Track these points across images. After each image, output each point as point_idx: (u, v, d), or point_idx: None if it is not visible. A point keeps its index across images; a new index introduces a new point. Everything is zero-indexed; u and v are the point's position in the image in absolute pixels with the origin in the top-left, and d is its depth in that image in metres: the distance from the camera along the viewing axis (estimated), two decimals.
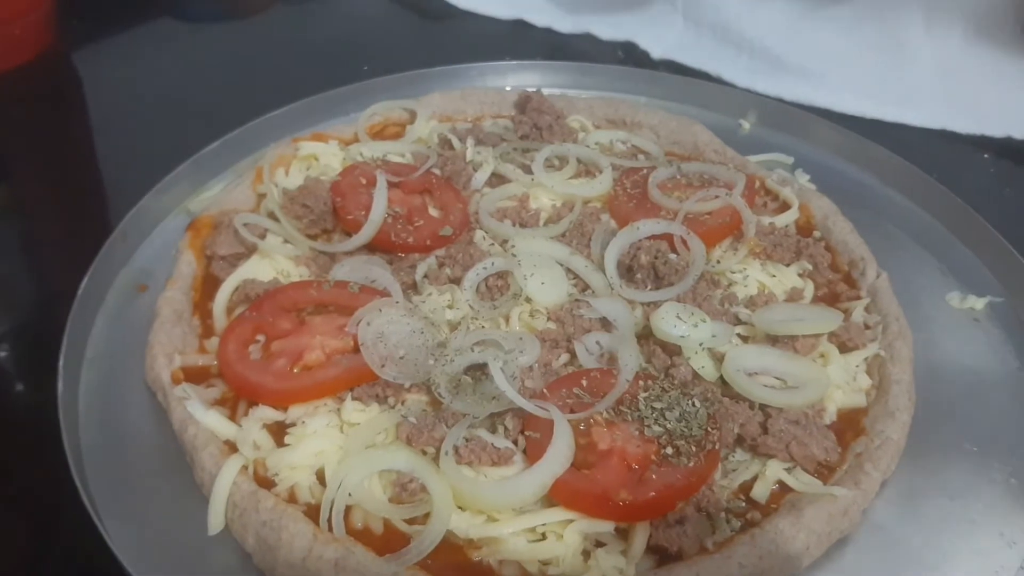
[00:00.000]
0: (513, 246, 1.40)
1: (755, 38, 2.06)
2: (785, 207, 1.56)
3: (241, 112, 1.69)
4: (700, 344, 1.23)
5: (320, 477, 1.10)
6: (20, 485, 1.18)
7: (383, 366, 1.17)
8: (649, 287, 1.36)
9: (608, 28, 2.20)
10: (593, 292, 1.36)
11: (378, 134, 1.71)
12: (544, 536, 1.04)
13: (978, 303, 1.42)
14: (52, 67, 2.09)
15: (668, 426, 1.10)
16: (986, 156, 1.85)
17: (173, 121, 1.87)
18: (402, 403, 1.18)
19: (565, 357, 1.25)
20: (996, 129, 1.86)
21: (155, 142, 1.78)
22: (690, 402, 1.14)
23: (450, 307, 1.31)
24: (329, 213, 1.44)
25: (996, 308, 1.42)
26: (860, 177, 1.70)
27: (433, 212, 1.50)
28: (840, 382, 1.24)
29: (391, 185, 1.45)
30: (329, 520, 1.04)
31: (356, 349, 1.19)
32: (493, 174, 1.59)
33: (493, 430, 1.14)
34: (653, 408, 1.12)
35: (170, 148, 1.62)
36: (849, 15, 2.05)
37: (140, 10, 2.30)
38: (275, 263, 1.38)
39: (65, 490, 1.06)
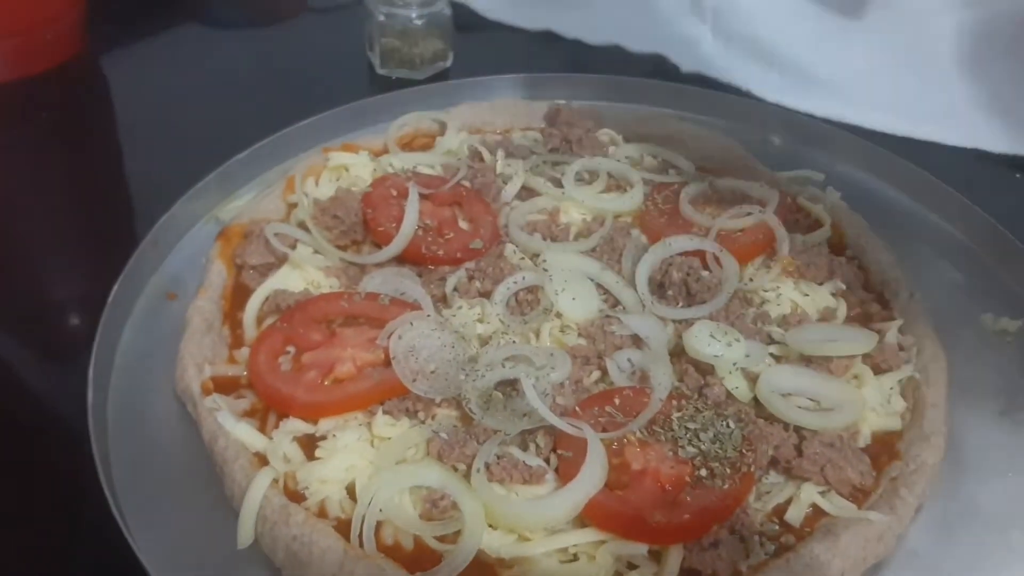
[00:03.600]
0: (544, 260, 1.40)
1: (785, 53, 2.04)
2: (816, 224, 1.54)
3: (269, 120, 1.68)
4: (734, 364, 1.22)
5: (351, 492, 1.09)
6: (48, 494, 1.18)
7: (415, 380, 1.16)
8: (681, 304, 1.35)
9: (636, 41, 2.19)
10: (624, 308, 1.35)
11: (407, 145, 1.71)
12: (576, 557, 1.03)
13: (1011, 325, 1.40)
14: (81, 72, 2.10)
15: (702, 447, 1.09)
16: (1018, 176, 1.83)
17: (201, 128, 1.87)
18: (432, 418, 1.17)
19: (596, 374, 1.24)
20: None
21: (183, 149, 1.78)
22: (724, 423, 1.13)
23: (480, 321, 1.30)
24: (360, 224, 1.43)
25: None
26: (892, 195, 1.68)
27: (463, 225, 1.49)
28: (875, 404, 1.22)
29: (421, 197, 1.45)
30: (360, 536, 1.03)
31: (387, 362, 1.19)
32: (523, 187, 1.58)
33: (525, 447, 1.13)
34: (687, 428, 1.12)
35: (197, 155, 1.61)
36: (880, 32, 2.04)
37: (169, 16, 2.30)
38: (305, 274, 1.37)
39: (93, 500, 1.06)
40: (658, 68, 2.12)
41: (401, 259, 1.41)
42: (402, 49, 2.01)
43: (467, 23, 2.21)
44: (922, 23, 2.00)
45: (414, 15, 1.98)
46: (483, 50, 2.19)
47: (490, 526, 1.04)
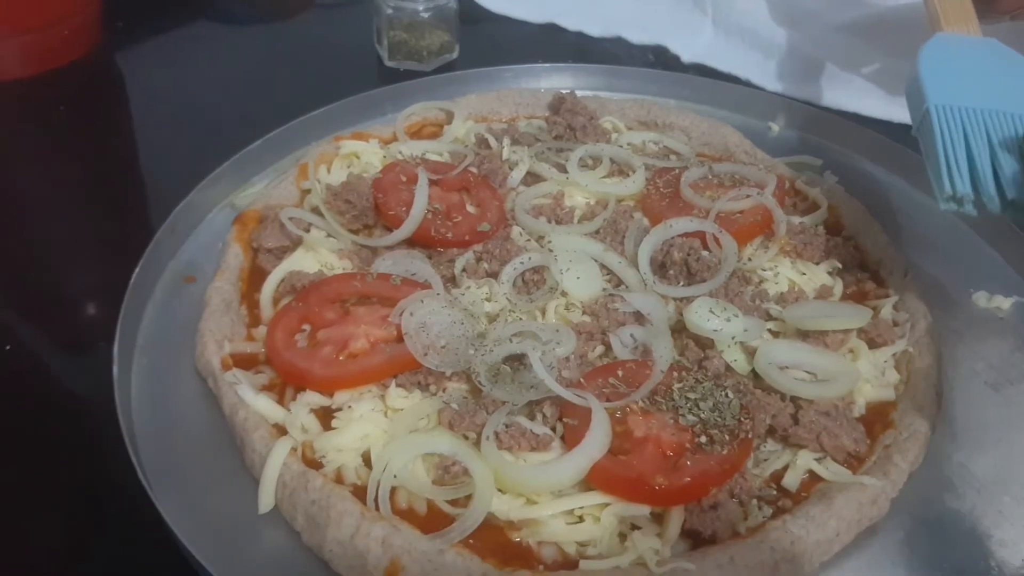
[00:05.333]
0: (549, 242, 1.44)
1: (784, 43, 2.09)
2: (814, 207, 1.59)
3: (281, 113, 1.73)
4: (732, 338, 1.26)
5: (366, 459, 1.14)
6: (78, 466, 1.22)
7: (426, 355, 1.21)
8: (682, 283, 1.39)
9: (639, 32, 2.24)
10: (627, 287, 1.39)
11: (416, 134, 1.76)
12: (581, 519, 1.08)
13: (1004, 303, 1.44)
14: (97, 67, 2.15)
15: (702, 416, 1.14)
16: None
17: (214, 120, 1.91)
18: (443, 390, 1.22)
19: (600, 349, 1.29)
20: None
21: (197, 141, 1.83)
22: (723, 393, 1.17)
23: (488, 300, 1.35)
24: (371, 209, 1.48)
25: (1022, 308, 1.44)
26: (888, 179, 1.72)
27: (471, 209, 1.54)
28: (869, 376, 1.26)
29: (430, 182, 1.49)
30: (375, 500, 1.07)
31: (399, 338, 1.24)
32: (528, 173, 1.63)
33: (532, 417, 1.17)
34: (687, 398, 1.16)
35: (211, 147, 1.66)
36: (876, 22, 2.08)
37: (181, 13, 2.36)
38: (319, 256, 1.42)
39: (122, 470, 1.10)
40: (659, 58, 2.17)
41: (411, 242, 1.46)
42: (409, 42, 2.06)
43: (472, 16, 2.27)
44: (917, 14, 2.03)
45: (421, 9, 2.04)
46: (488, 42, 2.24)
47: (499, 491, 1.09)
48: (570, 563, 1.04)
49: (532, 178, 1.63)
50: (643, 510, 1.07)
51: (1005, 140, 1.29)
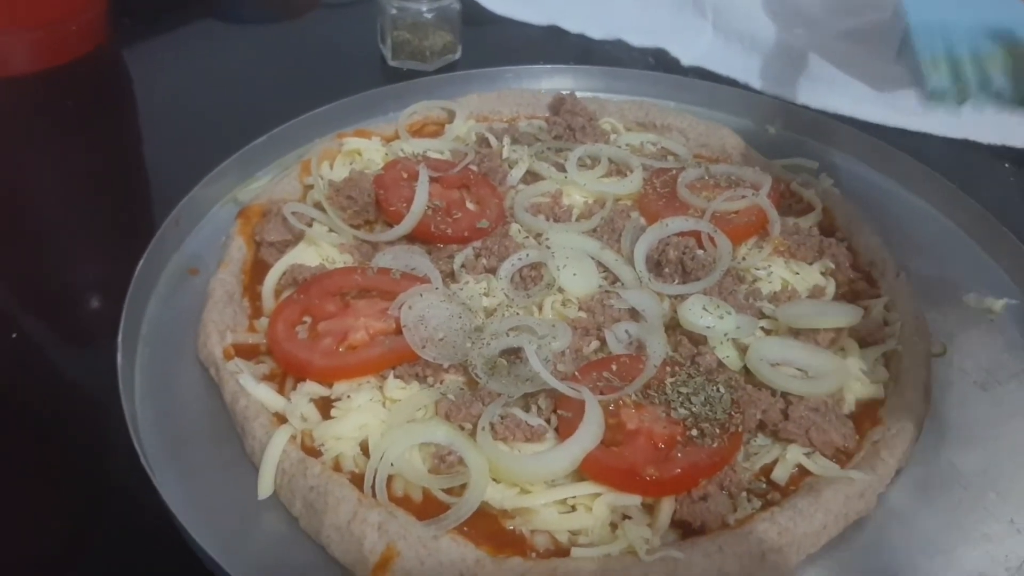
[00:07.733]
0: (547, 239, 1.47)
1: (783, 48, 2.11)
2: (809, 209, 1.61)
3: (285, 110, 1.75)
4: (725, 335, 1.29)
5: (364, 448, 1.16)
6: (81, 453, 1.25)
7: (424, 347, 1.23)
8: (677, 281, 1.42)
9: (639, 35, 2.26)
10: (623, 284, 1.42)
11: (417, 132, 1.78)
12: (574, 508, 1.10)
13: (995, 304, 1.46)
14: (104, 63, 2.18)
15: (693, 409, 1.16)
16: (1007, 165, 1.89)
17: (218, 118, 1.94)
18: (441, 382, 1.24)
19: (595, 344, 1.31)
20: (1017, 139, 1.91)
21: (201, 138, 1.85)
22: (715, 388, 1.19)
23: (486, 295, 1.37)
24: (372, 204, 1.51)
25: (1013, 310, 1.46)
26: (883, 183, 1.74)
27: (471, 206, 1.56)
28: (859, 374, 1.29)
29: (431, 180, 1.51)
30: (372, 487, 1.10)
31: (398, 331, 1.26)
32: (528, 171, 1.65)
33: (527, 409, 1.19)
34: (679, 392, 1.18)
35: (215, 144, 1.68)
36: (873, 27, 2.10)
37: (187, 11, 2.39)
38: (321, 250, 1.45)
39: (123, 457, 1.13)
40: (659, 61, 2.19)
41: (411, 237, 1.48)
42: (413, 42, 2.09)
43: (475, 18, 2.29)
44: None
45: (424, 9, 2.06)
46: (490, 43, 2.27)
47: (494, 480, 1.11)
48: (562, 551, 1.06)
49: (531, 177, 1.65)
50: (634, 500, 1.09)
51: (981, 44, 1.46)
